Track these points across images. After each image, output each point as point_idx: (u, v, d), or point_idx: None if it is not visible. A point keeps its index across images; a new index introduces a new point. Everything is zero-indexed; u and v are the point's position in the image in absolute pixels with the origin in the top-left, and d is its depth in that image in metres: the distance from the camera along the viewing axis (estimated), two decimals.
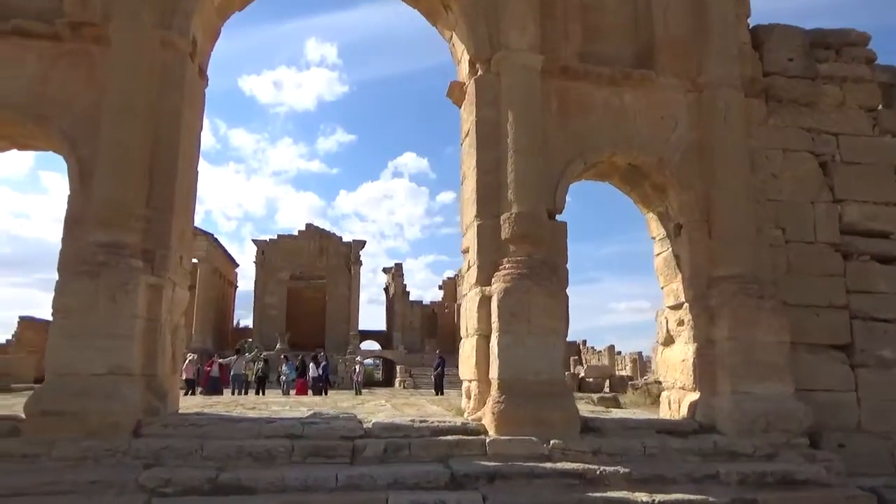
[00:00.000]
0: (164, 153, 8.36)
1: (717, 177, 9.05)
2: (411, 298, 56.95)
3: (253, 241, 54.66)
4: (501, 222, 8.54)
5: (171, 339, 8.40)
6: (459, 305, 49.65)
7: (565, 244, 8.83)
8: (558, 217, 8.91)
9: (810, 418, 8.29)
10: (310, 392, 21.98)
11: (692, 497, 6.86)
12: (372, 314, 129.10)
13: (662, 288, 9.83)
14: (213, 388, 21.89)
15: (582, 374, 23.13)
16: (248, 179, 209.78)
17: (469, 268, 9.20)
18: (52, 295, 7.49)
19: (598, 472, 7.14)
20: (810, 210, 9.51)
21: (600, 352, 55.24)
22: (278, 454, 7.05)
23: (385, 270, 60.68)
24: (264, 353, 28.44)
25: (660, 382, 21.68)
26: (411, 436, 7.62)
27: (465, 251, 9.45)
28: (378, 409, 10.81)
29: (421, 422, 7.92)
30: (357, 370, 27.34)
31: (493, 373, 8.07)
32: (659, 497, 6.81)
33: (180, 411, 8.84)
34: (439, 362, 24.36)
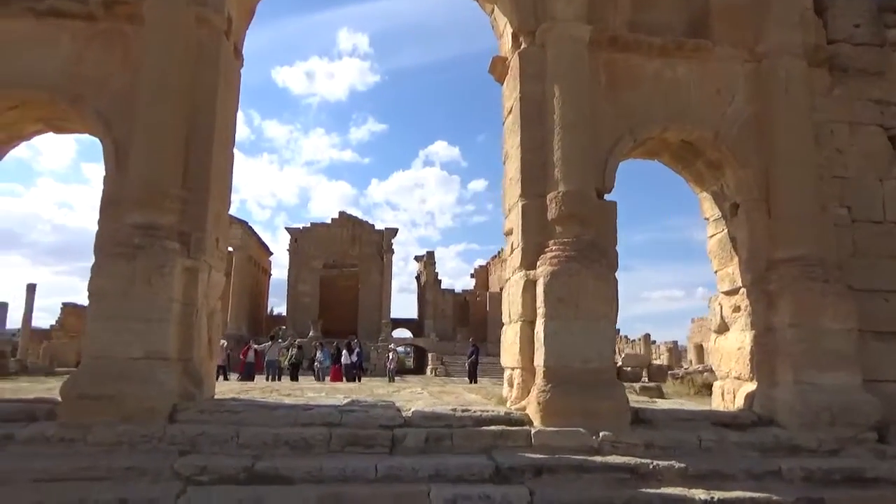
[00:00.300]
0: (199, 133, 8.11)
1: (777, 152, 8.47)
2: (443, 287, 56.73)
3: (286, 229, 54.99)
4: (547, 202, 8.12)
5: (208, 323, 8.19)
6: (491, 294, 49.50)
7: (615, 225, 8.36)
8: (607, 196, 8.43)
9: (879, 411, 7.71)
10: (344, 379, 21.89)
11: (754, 495, 6.38)
12: (403, 302, 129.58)
13: (716, 272, 9.30)
14: (249, 374, 21.96)
15: (619, 363, 22.52)
16: (281, 169, 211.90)
17: (512, 251, 8.80)
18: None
19: (650, 467, 6.71)
20: (878, 187, 8.86)
21: (634, 341, 54.46)
22: (316, 443, 6.78)
23: (417, 258, 60.55)
24: (297, 340, 28.46)
25: (703, 372, 21.04)
26: (453, 426, 7.29)
27: (508, 234, 9.05)
28: (415, 396, 10.51)
29: (463, 411, 7.57)
30: (390, 357, 27.19)
31: (539, 360, 7.68)
32: (718, 494, 6.35)
33: (216, 397, 8.65)
34: (473, 350, 24.13)
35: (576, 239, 7.92)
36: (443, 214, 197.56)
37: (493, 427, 7.27)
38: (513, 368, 8.49)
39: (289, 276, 54.01)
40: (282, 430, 6.93)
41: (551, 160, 8.24)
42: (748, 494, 6.40)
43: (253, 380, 21.94)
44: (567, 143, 8.12)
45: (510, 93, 9.16)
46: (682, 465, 6.74)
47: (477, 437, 7.12)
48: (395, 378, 25.61)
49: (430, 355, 46.25)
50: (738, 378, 8.63)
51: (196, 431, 6.76)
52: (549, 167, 8.26)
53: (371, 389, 12.43)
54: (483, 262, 65.02)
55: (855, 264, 8.56)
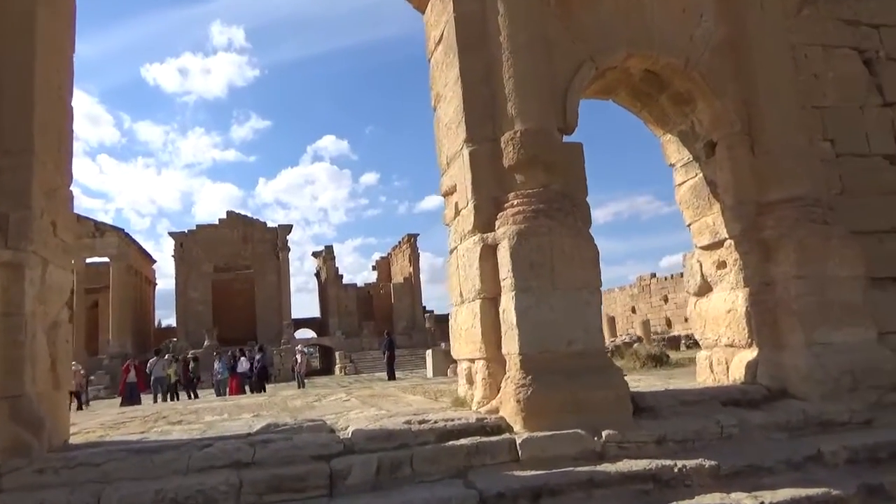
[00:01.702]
0: (11, 73, 5.60)
1: (757, 77, 7.11)
2: (344, 282, 54.09)
3: (170, 234, 50.41)
4: (502, 145, 6.30)
5: (49, 339, 5.72)
6: (394, 284, 47.33)
7: (583, 171, 6.66)
8: (570, 138, 6.73)
9: None
10: (247, 389, 19.24)
11: (808, 492, 4.89)
12: (303, 303, 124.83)
13: (691, 225, 7.86)
14: (131, 395, 18.83)
15: None
16: (159, 173, 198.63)
17: (458, 213, 6.92)
18: None
19: (675, 470, 5.08)
20: (860, 116, 7.74)
21: None
22: (220, 497, 4.62)
23: (315, 255, 57.47)
24: (192, 352, 25.25)
25: (631, 343, 20.12)
26: (410, 444, 5.32)
27: (449, 193, 7.16)
28: (343, 406, 8.42)
29: (420, 423, 5.60)
30: (298, 360, 24.33)
31: (511, 346, 5.86)
32: (766, 497, 4.81)
33: (72, 441, 6.17)
34: (387, 343, 22.03)
35: (542, 189, 6.15)
36: (336, 210, 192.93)
37: (463, 441, 5.36)
38: (471, 360, 6.63)
39: (177, 284, 49.43)
40: (169, 484, 4.69)
41: (501, 94, 6.42)
42: (801, 492, 4.89)
43: (137, 402, 18.85)
44: (521, 69, 6.33)
45: (437, 18, 7.24)
46: (713, 462, 5.15)
47: (445, 457, 5.20)
48: (305, 382, 23.06)
49: (337, 354, 43.66)
50: (732, 345, 7.23)
51: None
52: (500, 102, 6.44)
53: (284, 401, 10.16)
54: (383, 255, 62.88)
55: (844, 203, 7.37)
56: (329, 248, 52.61)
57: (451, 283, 7.15)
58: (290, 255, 51.02)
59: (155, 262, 59.71)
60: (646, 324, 28.99)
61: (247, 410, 8.95)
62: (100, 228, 46.65)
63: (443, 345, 46.11)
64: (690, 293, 7.92)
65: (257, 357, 20.37)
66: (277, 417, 7.54)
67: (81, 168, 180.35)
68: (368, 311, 53.67)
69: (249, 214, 53.06)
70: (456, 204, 6.96)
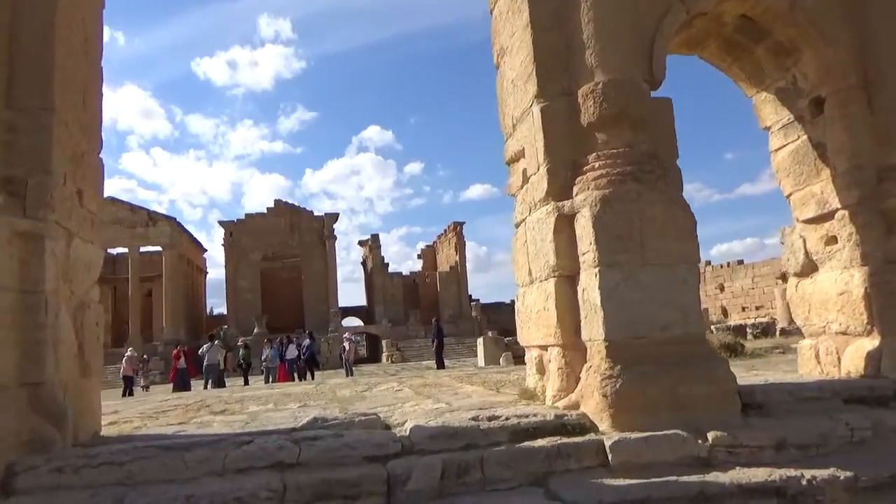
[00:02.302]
0: (27, 19, 4.97)
1: (876, 21, 6.02)
2: (389, 271, 53.71)
3: (219, 223, 50.81)
4: (580, 99, 5.38)
5: (75, 322, 5.11)
6: (440, 273, 46.53)
7: (674, 129, 5.69)
8: (657, 94, 5.76)
9: None
10: (295, 377, 18.81)
11: None
12: (350, 292, 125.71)
13: (791, 195, 6.80)
14: (182, 382, 18.61)
15: None
16: (210, 165, 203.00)
17: (526, 180, 6.04)
18: None
19: (803, 483, 4.13)
20: None
21: None
22: None
23: (361, 243, 57.27)
24: (242, 339, 25.07)
25: None
26: (479, 445, 4.51)
27: (516, 158, 6.30)
28: (395, 397, 7.69)
29: (489, 419, 4.78)
30: (346, 348, 23.75)
31: (594, 332, 4.98)
32: None
33: (105, 432, 5.59)
34: (437, 331, 21.27)
35: (628, 149, 5.23)
36: (381, 200, 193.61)
37: (541, 442, 4.52)
38: (543, 347, 5.78)
39: (226, 272, 49.85)
40: (202, 488, 4.00)
41: (578, 41, 5.50)
42: None
43: (188, 389, 18.63)
44: (602, 12, 5.39)
45: None
46: (848, 473, 4.18)
47: (521, 461, 4.37)
48: (353, 370, 22.52)
49: (383, 342, 43.31)
50: (845, 332, 6.17)
51: None
52: (576, 52, 5.52)
53: (333, 390, 9.50)
54: (428, 243, 62.29)
55: None
56: (375, 237, 52.28)
57: (517, 260, 6.29)
58: (337, 244, 50.89)
59: (206, 250, 60.53)
60: (704, 312, 27.50)
61: (294, 400, 8.30)
62: (153, 217, 47.34)
63: (489, 333, 45.36)
64: (791, 273, 6.86)
65: (305, 344, 19.90)
66: (325, 409, 6.86)
67: (136, 161, 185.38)
68: (414, 299, 53.20)
69: (296, 204, 53.07)
70: (524, 171, 6.09)
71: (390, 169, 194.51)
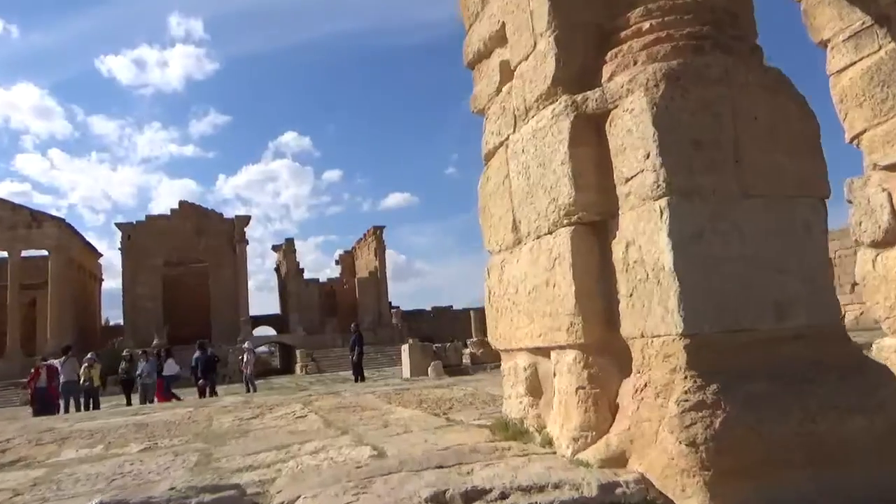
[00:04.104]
0: None
1: None
2: (306, 278, 50.21)
3: (116, 225, 45.85)
4: None
5: None
6: (359, 279, 43.82)
7: None
8: None
9: None
10: (174, 397, 15.54)
11: None
12: (264, 302, 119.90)
13: (862, 134, 4.71)
14: (43, 404, 14.94)
15: None
16: (114, 169, 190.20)
17: (507, 77, 3.61)
18: None
19: None
20: None
21: None
22: None
23: (275, 248, 53.41)
24: (126, 351, 21.28)
25: None
26: None
27: (486, 52, 3.85)
28: (292, 430, 5.04)
29: (468, 497, 2.31)
30: (245, 359, 20.09)
31: (655, 320, 2.59)
32: None
33: None
34: (356, 339, 18.35)
35: (695, 1, 2.93)
36: (298, 207, 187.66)
37: None
38: (541, 352, 3.34)
39: (124, 279, 44.87)
40: None
41: None
42: None
43: (50, 412, 14.97)
44: None
45: None
46: None
47: None
48: (255, 385, 19.23)
49: (298, 352, 39.90)
50: None
51: None
52: None
53: (210, 417, 6.70)
54: (347, 249, 59.10)
55: None
56: (290, 241, 48.67)
57: (487, 211, 3.85)
58: (251, 252, 47.25)
59: (101, 255, 54.77)
60: None
61: (144, 436, 5.50)
62: (37, 218, 41.81)
63: (410, 341, 42.82)
64: (865, 243, 4.76)
65: (195, 356, 16.64)
66: (177, 455, 4.17)
67: (31, 162, 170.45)
68: (332, 306, 49.91)
69: (204, 206, 48.70)
70: (502, 65, 3.66)
71: (308, 176, 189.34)
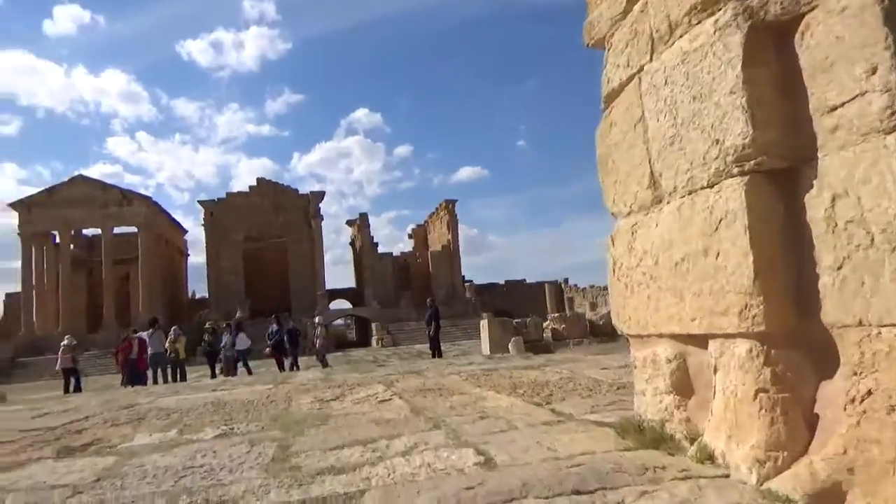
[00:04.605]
0: None
1: None
2: (379, 252, 50.49)
3: (199, 202, 47.32)
4: None
5: None
6: (432, 252, 43.64)
7: None
8: None
9: None
10: (238, 370, 15.63)
11: None
12: (340, 276, 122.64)
13: None
14: (133, 375, 15.38)
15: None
16: (196, 149, 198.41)
17: None
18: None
19: None
20: None
21: (584, 289, 50.19)
22: None
23: (349, 223, 53.96)
24: (208, 323, 21.72)
25: None
26: None
27: None
28: (377, 418, 4.54)
29: None
30: (316, 333, 19.65)
31: (889, 302, 1.84)
32: None
33: None
34: (432, 313, 17.90)
35: None
36: (370, 183, 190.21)
37: None
38: (693, 340, 2.61)
39: (207, 254, 46.44)
40: None
41: None
42: None
43: (142, 383, 15.41)
44: None
45: None
46: None
47: None
48: (327, 359, 18.99)
49: (373, 325, 40.24)
50: None
51: None
52: None
53: (289, 397, 6.35)
54: (419, 223, 59.01)
55: None
56: (363, 216, 48.94)
57: (610, 166, 3.12)
58: (326, 227, 47.80)
59: (186, 231, 56.99)
60: None
61: (220, 418, 5.16)
62: (126, 197, 43.74)
63: (484, 315, 42.35)
64: None
65: (272, 330, 16.64)
66: (252, 445, 3.73)
67: (121, 145, 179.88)
68: (405, 280, 50.09)
69: (280, 182, 49.62)
70: None
71: (379, 152, 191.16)
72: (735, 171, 2.26)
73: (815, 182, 2.09)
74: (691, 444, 2.56)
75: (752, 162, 2.21)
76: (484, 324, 15.02)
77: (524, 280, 54.66)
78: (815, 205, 2.08)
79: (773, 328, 2.17)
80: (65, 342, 16.46)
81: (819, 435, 2.07)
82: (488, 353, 13.72)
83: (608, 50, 3.15)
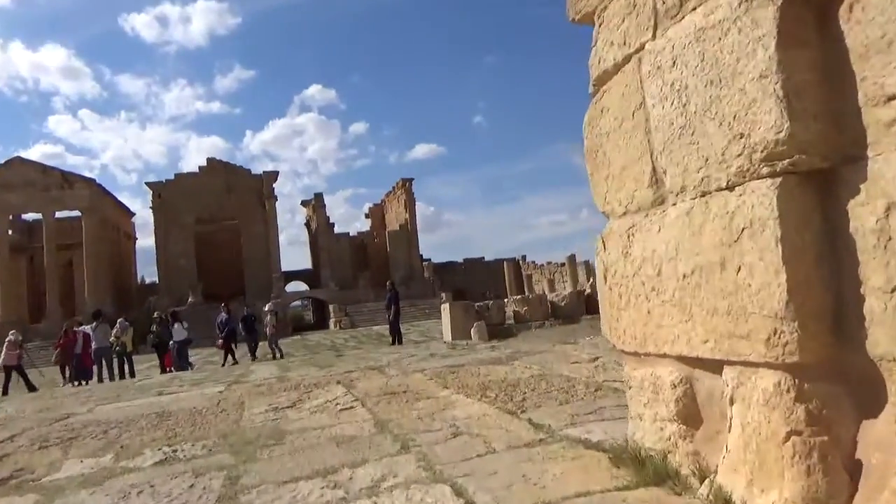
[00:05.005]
0: None
1: None
2: (336, 232, 49.60)
3: (147, 184, 45.49)
4: None
5: None
6: (390, 232, 43.29)
7: None
8: None
9: None
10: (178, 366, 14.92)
11: None
12: (296, 258, 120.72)
13: None
14: (80, 370, 14.56)
15: (588, 291, 16.95)
16: (143, 128, 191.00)
17: None
18: None
19: None
20: None
21: (542, 266, 50.45)
22: None
23: (304, 203, 52.82)
24: (156, 313, 20.73)
25: None
26: None
27: None
28: (338, 434, 4.13)
29: None
30: (266, 321, 18.61)
31: None
32: None
33: None
34: (391, 297, 17.44)
35: None
36: (326, 161, 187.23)
37: None
38: (705, 365, 2.25)
39: (156, 237, 44.81)
40: None
41: None
42: None
43: (89, 377, 14.59)
44: None
45: None
46: None
47: None
48: (281, 348, 18.24)
49: (331, 307, 39.61)
50: None
51: None
52: None
53: (241, 402, 5.86)
54: (376, 202, 58.19)
55: None
56: (319, 196, 47.90)
57: (601, 158, 2.73)
58: (280, 207, 46.56)
59: (133, 214, 54.84)
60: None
61: (161, 435, 4.66)
62: (68, 179, 41.62)
63: (444, 295, 42.12)
64: None
65: (222, 318, 15.92)
66: (197, 477, 3.29)
67: (63, 124, 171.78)
68: (363, 260, 49.41)
69: (232, 162, 48.01)
70: None
71: (334, 129, 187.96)
72: (764, 170, 1.89)
73: (863, 187, 1.73)
74: (700, 482, 2.23)
75: (786, 161, 1.84)
76: (445, 308, 14.67)
77: (483, 258, 54.64)
78: (863, 214, 1.73)
79: (808, 359, 1.83)
80: (9, 338, 15.29)
81: (865, 485, 1.75)
82: (450, 339, 13.39)
83: (599, 25, 2.74)
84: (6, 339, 15.62)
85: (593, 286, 17.42)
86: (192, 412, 5.62)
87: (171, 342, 14.81)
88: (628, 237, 2.57)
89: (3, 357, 15.32)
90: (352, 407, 4.95)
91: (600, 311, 2.88)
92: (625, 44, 2.54)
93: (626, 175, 2.57)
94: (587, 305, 15.59)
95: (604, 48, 2.71)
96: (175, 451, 4.09)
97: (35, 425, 5.77)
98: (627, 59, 2.53)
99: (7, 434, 5.33)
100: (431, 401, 4.89)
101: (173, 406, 6.15)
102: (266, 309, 17.94)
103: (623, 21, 2.54)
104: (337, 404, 5.18)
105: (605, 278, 2.76)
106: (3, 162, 40.82)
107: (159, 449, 4.16)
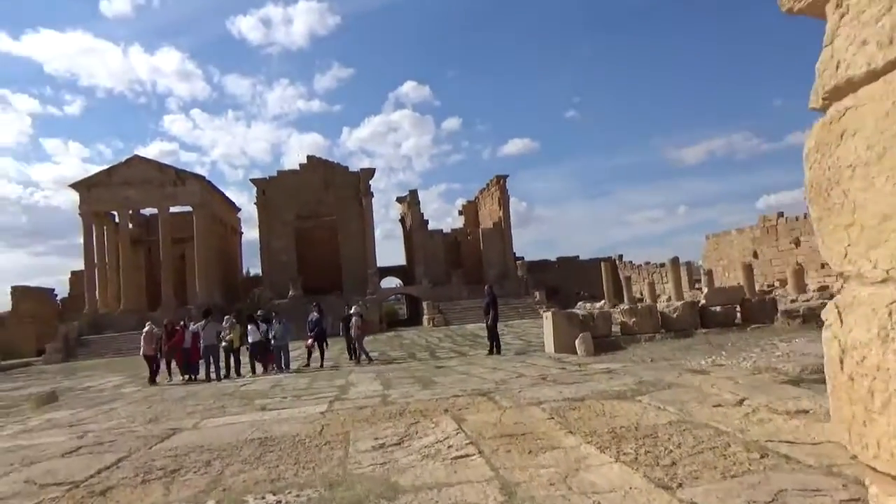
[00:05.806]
0: None
1: None
2: (430, 228, 49.68)
3: (251, 180, 47.38)
4: None
5: None
6: (483, 230, 42.73)
7: None
8: None
9: None
10: (270, 367, 15.00)
11: None
12: (389, 251, 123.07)
13: None
14: (189, 365, 15.06)
15: (702, 301, 15.58)
16: (248, 126, 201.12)
17: None
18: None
19: None
20: None
21: (640, 267, 48.27)
22: None
23: (399, 200, 53.35)
24: (260, 311, 21.25)
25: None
26: None
27: None
28: None
29: None
30: (352, 323, 17.02)
31: None
32: None
33: None
34: (490, 300, 16.54)
35: None
36: (420, 157, 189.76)
37: None
38: None
39: (260, 233, 46.64)
40: None
41: None
42: None
43: (197, 372, 15.07)
44: None
45: None
46: None
47: None
48: (367, 351, 17.02)
49: (424, 304, 39.65)
50: None
51: None
52: None
53: (345, 436, 5.48)
54: (469, 199, 57.85)
55: None
56: (413, 193, 48.13)
57: (840, 200, 1.99)
58: (376, 202, 47.32)
59: (239, 209, 57.50)
60: (798, 272, 22.68)
61: (264, 473, 4.32)
62: (181, 176, 44.08)
63: (536, 294, 41.08)
64: None
65: (314, 319, 15.83)
66: None
67: (176, 123, 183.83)
68: (456, 258, 49.27)
69: (330, 159, 49.19)
70: None
71: (428, 125, 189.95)
72: None
73: None
74: None
75: None
76: (548, 317, 13.91)
77: (577, 257, 53.15)
78: None
79: None
80: (146, 328, 15.93)
81: None
82: (553, 352, 12.65)
83: (840, 18, 2.00)
84: (143, 331, 16.16)
85: (707, 297, 16.06)
86: (294, 442, 5.29)
87: (270, 344, 15.04)
88: (890, 315, 1.83)
89: (142, 348, 15.95)
90: (467, 455, 4.40)
91: (830, 402, 2.13)
92: (891, 43, 1.80)
93: (887, 227, 1.83)
94: (701, 318, 14.33)
95: (845, 48, 1.97)
96: (279, 501, 3.71)
97: (141, 446, 5.66)
98: (888, 67, 1.78)
99: (113, 458, 5.21)
100: (558, 452, 4.26)
101: (275, 430, 5.88)
102: (351, 312, 17.54)
103: (888, 11, 1.80)
104: (450, 446, 4.66)
105: (843, 363, 2.02)
106: (124, 160, 43.82)
107: (262, 498, 3.80)
